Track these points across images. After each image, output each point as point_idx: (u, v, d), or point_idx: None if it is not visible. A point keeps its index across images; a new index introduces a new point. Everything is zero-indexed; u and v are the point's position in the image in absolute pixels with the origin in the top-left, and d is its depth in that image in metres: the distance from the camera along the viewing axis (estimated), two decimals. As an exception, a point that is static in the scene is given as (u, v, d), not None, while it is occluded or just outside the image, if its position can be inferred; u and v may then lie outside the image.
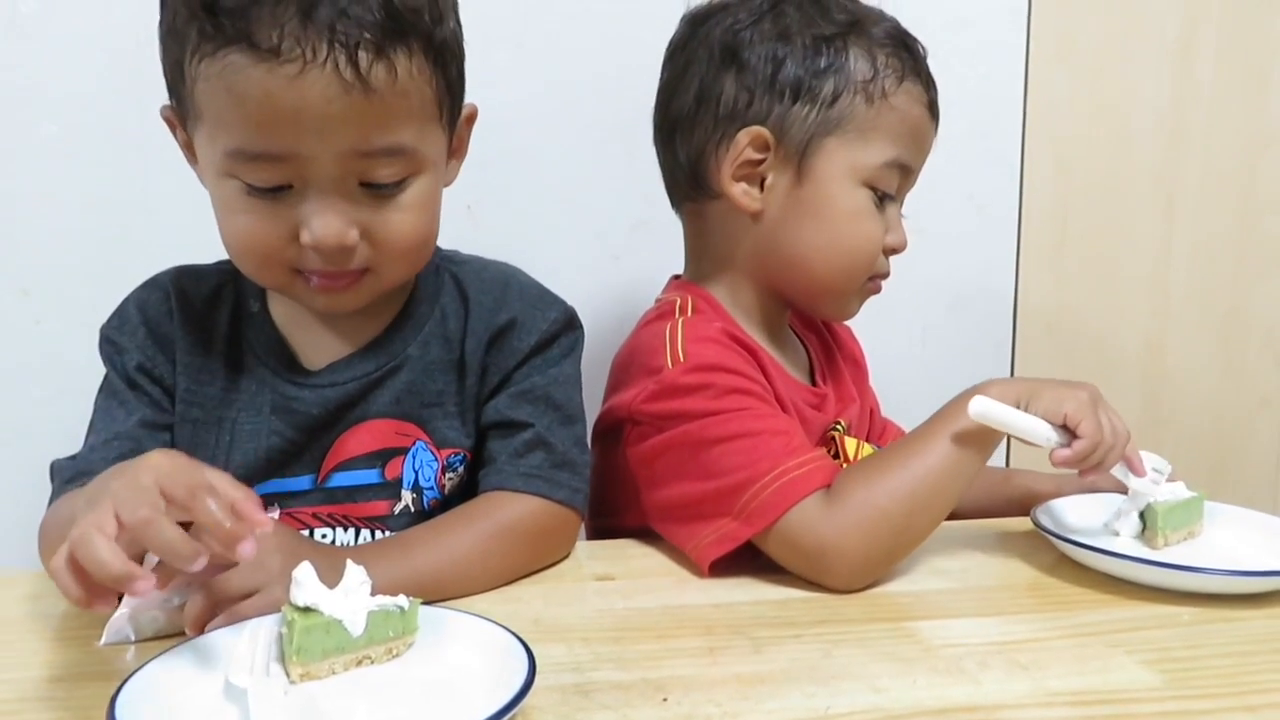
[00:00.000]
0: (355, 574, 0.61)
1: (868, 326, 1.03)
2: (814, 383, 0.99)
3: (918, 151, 0.91)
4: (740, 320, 0.92)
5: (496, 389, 0.85)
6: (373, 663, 0.59)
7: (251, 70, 0.67)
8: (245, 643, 0.59)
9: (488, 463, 0.83)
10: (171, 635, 0.65)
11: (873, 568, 0.76)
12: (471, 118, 0.83)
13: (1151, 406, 1.41)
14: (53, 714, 0.58)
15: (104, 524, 0.53)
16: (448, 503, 0.84)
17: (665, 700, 0.59)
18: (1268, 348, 1.43)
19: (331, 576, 0.60)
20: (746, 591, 0.76)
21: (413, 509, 0.83)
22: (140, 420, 0.80)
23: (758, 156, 0.88)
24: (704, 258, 0.96)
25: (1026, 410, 0.77)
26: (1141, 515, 0.82)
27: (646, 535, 0.86)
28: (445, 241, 0.84)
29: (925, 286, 1.28)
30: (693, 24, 0.93)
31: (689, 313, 0.89)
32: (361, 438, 0.82)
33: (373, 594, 0.60)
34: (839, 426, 0.95)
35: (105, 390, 0.82)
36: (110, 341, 0.82)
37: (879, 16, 0.90)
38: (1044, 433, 0.76)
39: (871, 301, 0.96)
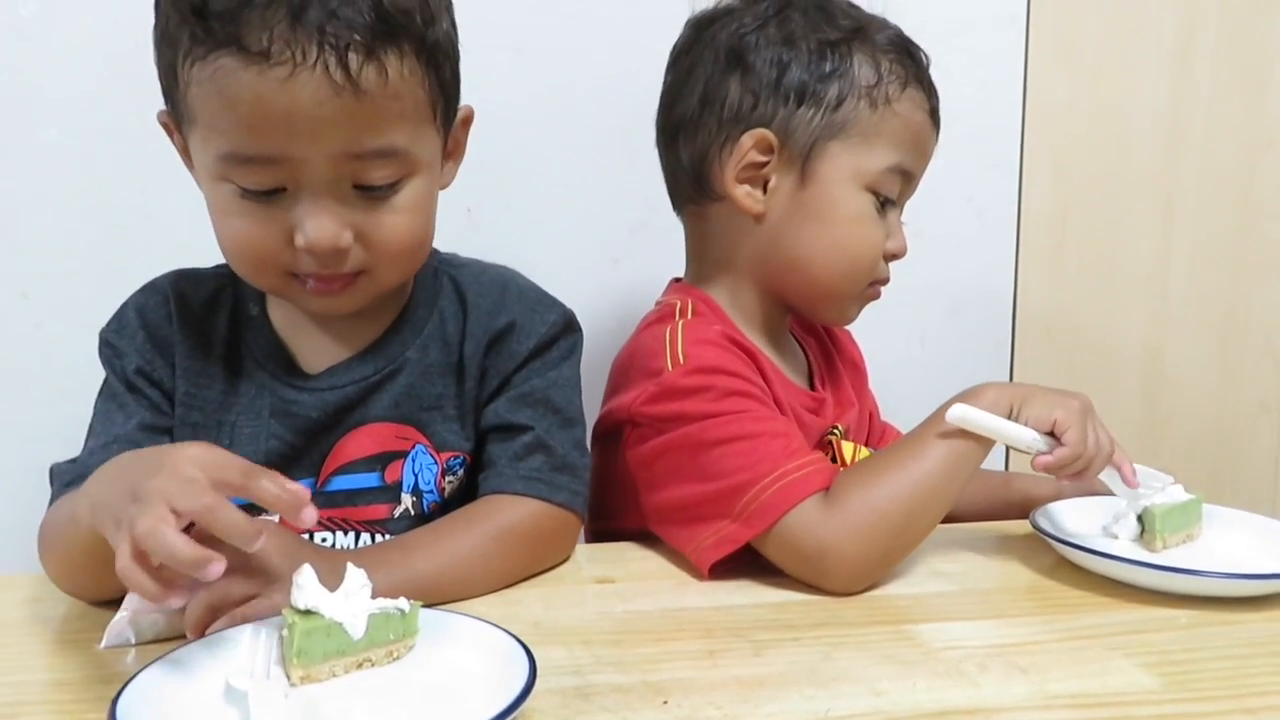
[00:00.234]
0: (356, 577, 0.61)
1: (867, 329, 1.03)
2: (812, 387, 0.99)
3: (919, 158, 0.91)
4: (740, 323, 0.92)
5: (496, 392, 0.85)
6: (373, 665, 0.59)
7: (242, 73, 0.67)
8: (246, 645, 0.59)
9: (487, 466, 0.83)
10: (172, 638, 0.65)
11: (871, 570, 0.76)
12: (468, 120, 0.83)
13: (1151, 409, 1.41)
14: (53, 717, 0.58)
15: (164, 516, 0.54)
16: (447, 506, 0.84)
17: (665, 703, 0.59)
18: (1267, 351, 1.43)
19: (332, 579, 0.60)
20: (746, 594, 0.76)
21: (412, 512, 0.83)
22: (140, 423, 0.80)
23: (762, 159, 0.88)
24: (705, 260, 0.96)
25: (1019, 414, 0.78)
26: (1140, 518, 0.82)
27: (646, 538, 0.86)
28: (444, 244, 0.85)
29: (925, 289, 1.28)
30: (698, 28, 0.93)
31: (689, 315, 0.89)
32: (361, 441, 0.82)
33: (373, 597, 0.60)
34: (836, 431, 0.95)
35: (104, 394, 0.82)
36: (109, 345, 0.82)
37: (882, 24, 0.91)
38: (1026, 439, 0.77)
39: (871, 304, 0.96)
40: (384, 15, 0.68)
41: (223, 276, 0.86)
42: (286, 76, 0.66)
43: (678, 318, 0.88)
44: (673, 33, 0.96)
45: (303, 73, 0.66)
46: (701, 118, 0.90)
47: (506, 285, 0.87)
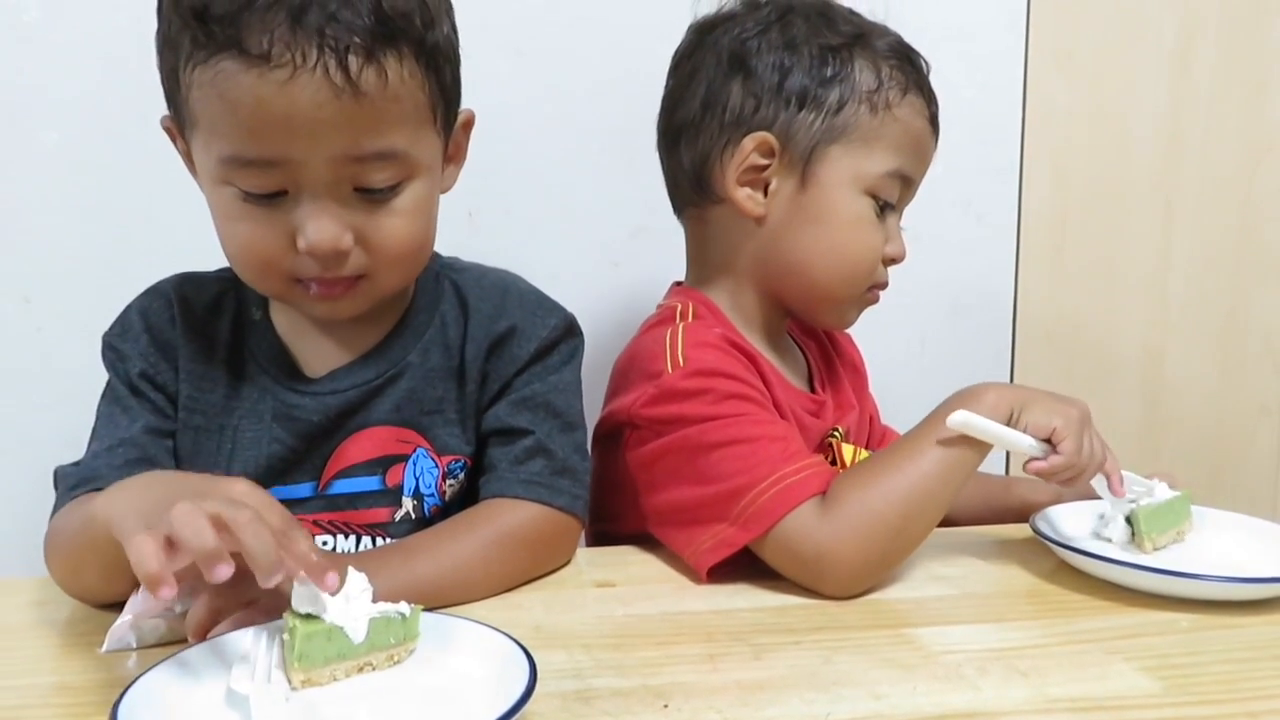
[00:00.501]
0: (357, 581, 0.61)
1: (867, 333, 1.03)
2: (813, 390, 0.99)
3: (919, 163, 0.92)
4: (740, 326, 0.92)
5: (496, 396, 0.85)
6: (374, 669, 0.59)
7: (243, 76, 0.67)
8: (247, 649, 0.59)
9: (488, 470, 0.83)
10: (173, 642, 0.65)
11: (868, 573, 0.76)
12: (469, 124, 0.83)
13: (1151, 412, 1.41)
14: (55, 720, 0.58)
15: (204, 511, 0.55)
16: (448, 509, 0.84)
17: (666, 707, 0.59)
18: (1267, 354, 1.43)
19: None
20: (746, 598, 0.76)
21: (413, 516, 0.83)
22: (144, 427, 0.80)
23: (763, 162, 0.88)
24: (705, 263, 0.96)
25: (1019, 419, 0.78)
26: (1128, 520, 0.82)
27: (646, 540, 0.86)
28: (445, 248, 0.85)
29: (925, 293, 1.28)
30: (700, 32, 0.94)
31: (689, 318, 0.89)
32: (362, 445, 0.83)
33: (374, 601, 0.60)
34: (836, 433, 0.95)
35: (108, 397, 0.82)
36: (113, 348, 0.82)
37: (883, 30, 0.91)
38: (1024, 445, 0.77)
39: (871, 308, 0.96)
40: (383, 18, 0.69)
41: (225, 280, 0.86)
42: (286, 79, 0.67)
43: (678, 320, 0.89)
44: (672, 36, 0.96)
45: (303, 75, 0.67)
46: (703, 121, 0.91)
47: (507, 289, 0.87)
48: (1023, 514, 0.88)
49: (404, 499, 0.83)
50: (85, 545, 0.67)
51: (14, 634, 0.70)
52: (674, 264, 1.00)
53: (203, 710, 0.55)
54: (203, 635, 0.62)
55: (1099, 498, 0.85)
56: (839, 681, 0.62)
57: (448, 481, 0.84)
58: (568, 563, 0.83)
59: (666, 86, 0.96)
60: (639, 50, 1.09)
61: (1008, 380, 1.37)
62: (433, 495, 0.84)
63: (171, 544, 0.55)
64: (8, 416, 1.11)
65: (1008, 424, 0.77)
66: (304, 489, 0.82)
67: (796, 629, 0.71)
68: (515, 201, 1.18)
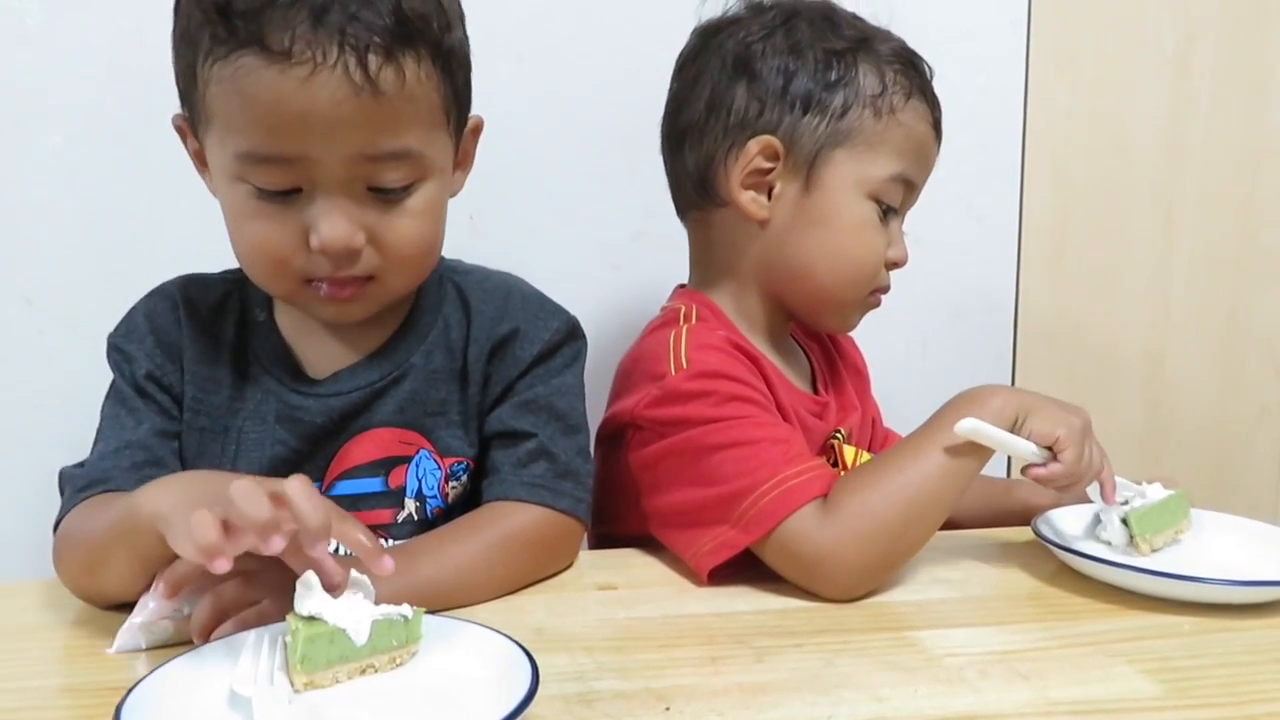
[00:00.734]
0: (359, 583, 0.61)
1: (869, 335, 1.03)
2: (816, 391, 0.99)
3: (921, 168, 0.92)
4: (743, 328, 0.92)
5: (499, 399, 0.85)
6: (376, 672, 0.60)
7: (263, 72, 0.68)
8: (249, 652, 0.59)
9: (491, 473, 0.83)
10: (179, 643, 0.66)
11: (869, 576, 0.77)
12: (477, 130, 0.84)
13: (1152, 415, 1.41)
14: (58, 722, 0.58)
15: (261, 486, 0.58)
16: (451, 511, 0.84)
17: (668, 709, 0.59)
18: (1268, 357, 1.43)
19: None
20: (748, 601, 0.76)
21: (416, 517, 0.83)
22: (151, 428, 0.80)
23: (767, 165, 0.89)
24: (708, 266, 0.96)
25: (1024, 425, 0.78)
26: (1125, 521, 0.83)
27: (649, 542, 0.86)
28: (448, 251, 0.85)
29: (926, 296, 1.28)
30: (705, 35, 0.94)
31: (693, 320, 0.90)
32: (365, 446, 0.83)
33: (376, 603, 0.60)
34: (839, 435, 0.95)
35: (113, 398, 0.82)
36: (119, 350, 0.82)
37: (886, 35, 0.92)
38: (1027, 452, 0.78)
39: (873, 310, 0.96)
40: (403, 19, 0.69)
41: (230, 282, 0.86)
42: (307, 76, 0.67)
43: (681, 323, 0.89)
44: (673, 40, 0.96)
45: (323, 72, 0.67)
46: (707, 124, 0.91)
47: (510, 292, 0.88)
48: (1024, 517, 0.88)
49: (406, 500, 0.83)
50: (116, 540, 0.67)
51: (18, 636, 0.71)
52: (675, 267, 1.00)
53: (206, 712, 0.55)
54: (207, 635, 0.63)
55: (1086, 501, 0.85)
56: (840, 684, 0.62)
57: (450, 483, 0.84)
58: (570, 565, 0.83)
59: (670, 89, 0.96)
60: (639, 54, 1.10)
61: (1008, 382, 1.37)
62: (435, 497, 0.84)
63: (227, 527, 0.57)
64: (10, 419, 1.11)
65: (1011, 429, 0.78)
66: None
67: (798, 632, 0.71)
68: (517, 205, 1.18)
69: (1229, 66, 1.35)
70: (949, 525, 0.80)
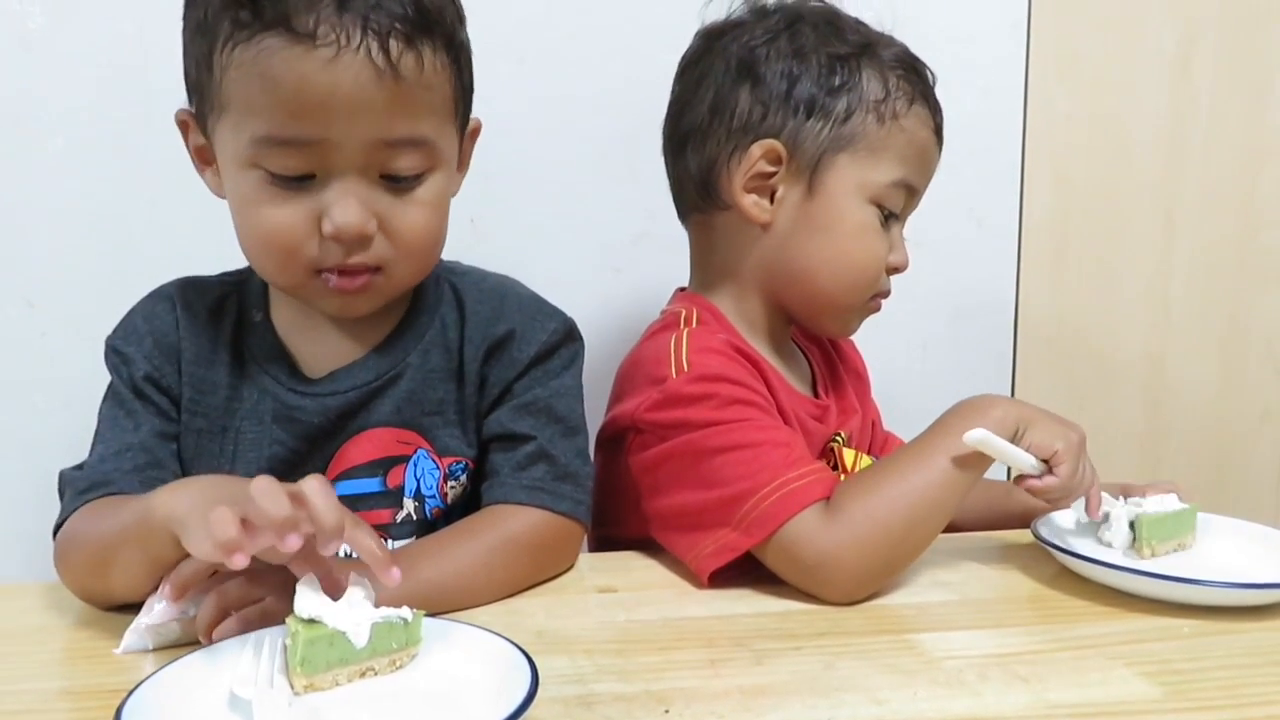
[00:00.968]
0: (359, 586, 0.61)
1: (869, 338, 1.03)
2: (816, 395, 1.00)
3: (923, 173, 0.92)
4: (744, 332, 0.92)
5: (497, 401, 0.85)
6: (376, 674, 0.60)
7: (287, 52, 0.69)
8: (249, 654, 0.59)
9: (490, 476, 0.83)
10: (186, 644, 0.66)
11: (870, 580, 0.77)
12: (475, 132, 0.84)
13: (1152, 418, 1.41)
14: (58, 725, 0.58)
15: (280, 485, 0.59)
16: (450, 511, 0.84)
17: (667, 712, 0.59)
18: (1268, 360, 1.43)
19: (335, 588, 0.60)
20: (748, 604, 0.76)
21: (415, 517, 0.83)
22: (150, 430, 0.80)
23: (770, 169, 0.89)
24: (709, 269, 0.96)
25: (1023, 436, 0.78)
26: (1131, 525, 0.83)
27: (649, 545, 0.86)
28: (448, 253, 0.85)
29: (926, 299, 1.28)
30: (708, 38, 0.94)
31: (693, 324, 0.90)
32: (363, 446, 0.83)
33: (376, 606, 0.60)
34: (839, 438, 0.95)
35: (111, 400, 0.82)
36: (117, 352, 0.82)
37: (889, 40, 0.92)
38: (1026, 464, 0.78)
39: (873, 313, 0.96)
40: (422, 9, 0.72)
41: (227, 284, 0.86)
42: (331, 58, 0.69)
43: (682, 326, 0.89)
44: (674, 42, 0.96)
45: (346, 55, 0.69)
46: (711, 127, 0.91)
47: (506, 294, 0.88)
48: (1025, 518, 0.88)
49: (405, 500, 0.83)
50: (127, 542, 0.68)
51: (18, 639, 0.71)
52: (676, 270, 1.00)
53: (206, 715, 0.55)
54: (210, 631, 0.63)
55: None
56: (840, 687, 0.62)
57: (449, 483, 0.84)
58: (570, 568, 0.83)
59: (673, 92, 0.96)
60: (640, 56, 1.10)
61: (1009, 385, 1.37)
62: (434, 497, 0.84)
63: (247, 525, 0.58)
64: (11, 422, 1.11)
65: (1011, 439, 0.78)
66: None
67: (798, 634, 0.71)
68: (517, 207, 1.18)
69: (1228, 68, 1.36)
70: (949, 528, 0.81)
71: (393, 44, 0.70)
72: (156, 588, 0.67)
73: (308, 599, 0.59)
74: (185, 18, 0.75)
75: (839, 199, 0.89)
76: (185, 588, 0.66)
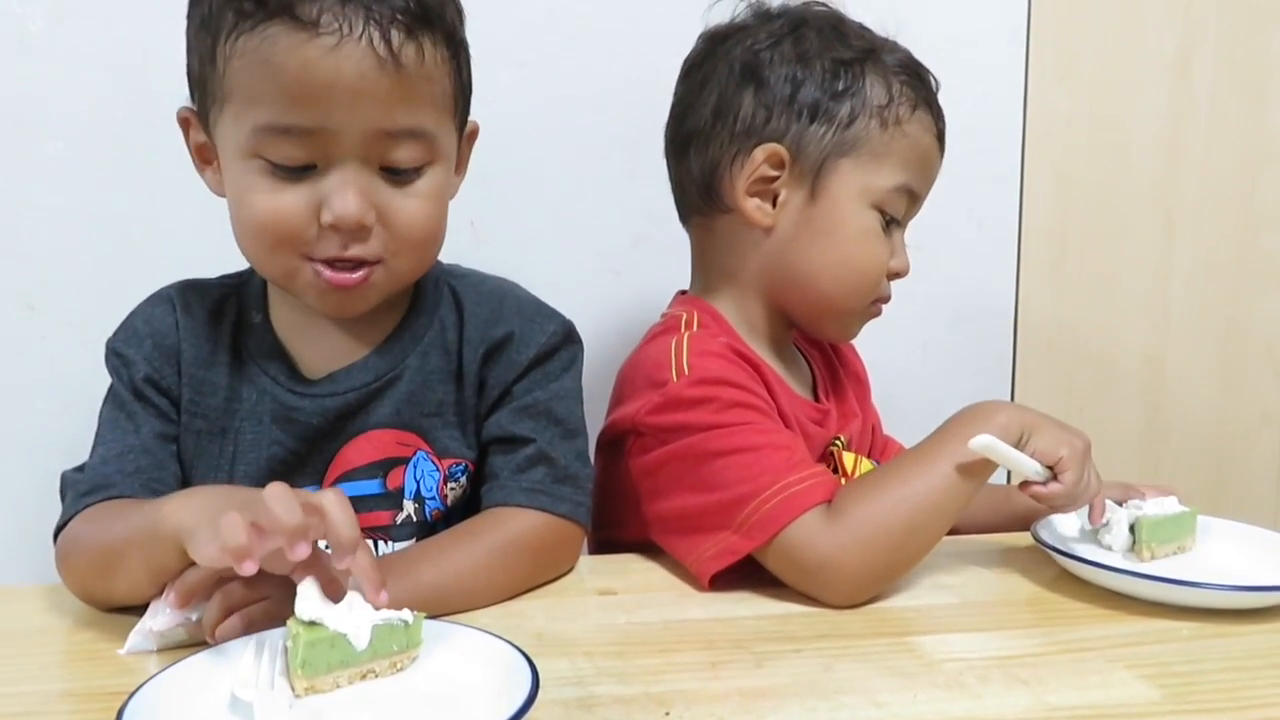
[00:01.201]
0: (360, 589, 0.61)
1: (869, 340, 1.03)
2: (817, 398, 1.00)
3: (925, 179, 0.92)
4: (745, 335, 0.92)
5: (497, 403, 0.85)
6: (377, 676, 0.60)
7: (289, 40, 0.69)
8: (250, 656, 0.59)
9: (490, 478, 0.84)
10: (191, 645, 0.66)
11: (871, 583, 0.77)
12: (473, 135, 0.84)
13: (1152, 421, 1.41)
14: (58, 727, 0.58)
15: (294, 492, 0.60)
16: (450, 513, 0.84)
17: (667, 714, 0.59)
18: (1268, 362, 1.43)
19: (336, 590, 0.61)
20: (748, 606, 0.76)
21: (415, 519, 0.84)
22: (151, 432, 0.80)
23: (773, 173, 0.89)
24: (711, 272, 0.96)
25: (1028, 443, 0.78)
26: (1131, 527, 0.83)
27: (649, 548, 0.86)
28: (448, 256, 0.85)
29: (926, 302, 1.28)
30: (712, 41, 0.94)
31: (694, 327, 0.90)
32: (363, 448, 0.83)
33: (377, 608, 0.60)
34: (838, 441, 0.95)
35: (112, 402, 0.82)
36: (117, 354, 0.83)
37: (893, 46, 0.92)
38: (1030, 470, 0.78)
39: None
40: (423, 3, 0.73)
41: (227, 286, 0.86)
42: (334, 45, 0.69)
43: (683, 329, 0.89)
44: (674, 46, 0.97)
45: (349, 43, 0.70)
46: (713, 130, 0.91)
47: (504, 296, 0.88)
48: (1025, 521, 0.88)
49: (405, 502, 0.83)
50: (134, 549, 0.68)
51: (19, 640, 0.71)
52: (675, 273, 1.00)
53: (207, 717, 0.55)
54: (214, 629, 0.64)
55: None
56: (840, 689, 0.62)
57: (449, 485, 0.84)
58: (570, 570, 0.83)
59: (676, 94, 0.96)
60: (639, 60, 1.10)
61: (1008, 387, 1.37)
62: (434, 499, 0.84)
63: (256, 529, 0.58)
64: (12, 424, 1.11)
65: (1016, 445, 0.78)
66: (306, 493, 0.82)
67: (798, 637, 0.71)
68: (517, 210, 1.18)
69: (1228, 71, 1.36)
70: (950, 530, 0.80)
71: (394, 34, 0.71)
72: (161, 591, 0.67)
73: (309, 601, 0.59)
74: (189, 15, 0.75)
75: (841, 204, 0.89)
76: (190, 596, 0.66)
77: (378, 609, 0.60)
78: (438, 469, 0.84)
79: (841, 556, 0.75)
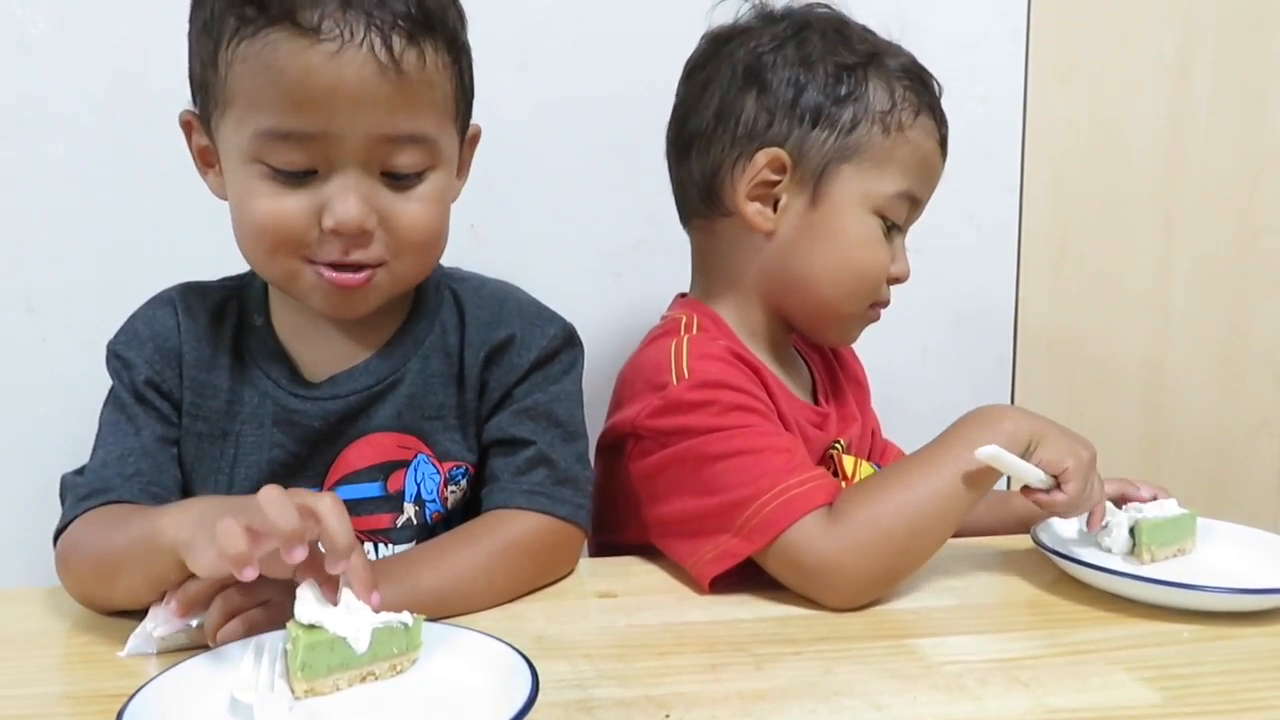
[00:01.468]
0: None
1: (869, 344, 1.03)
2: (817, 402, 1.00)
3: (926, 185, 0.92)
4: (745, 339, 0.92)
5: (497, 406, 0.85)
6: (377, 679, 0.60)
7: (291, 46, 0.70)
8: (250, 659, 0.59)
9: (490, 480, 0.84)
10: (191, 648, 0.66)
11: (872, 587, 0.76)
12: (475, 139, 0.84)
13: (1152, 424, 1.41)
14: (58, 729, 0.58)
15: (289, 496, 0.60)
16: (451, 516, 0.84)
17: (667, 717, 0.59)
18: (1268, 365, 1.43)
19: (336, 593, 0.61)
20: (748, 609, 0.76)
21: (415, 522, 0.84)
22: (151, 435, 0.81)
23: (774, 177, 0.89)
24: (711, 276, 0.96)
25: (1034, 452, 0.78)
26: (1130, 530, 0.83)
27: (649, 551, 0.86)
28: (448, 259, 0.85)
29: (926, 305, 1.28)
30: (714, 43, 0.94)
31: (694, 330, 0.89)
32: (363, 451, 0.83)
33: (377, 611, 0.60)
34: (838, 445, 0.95)
35: (112, 405, 0.82)
36: (118, 357, 0.83)
37: (897, 50, 0.92)
38: (1035, 479, 0.78)
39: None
40: (424, 8, 0.73)
41: (229, 289, 0.86)
42: (335, 51, 0.69)
43: (683, 332, 0.89)
44: (675, 48, 0.97)
45: (350, 49, 0.70)
46: (715, 133, 0.91)
47: (505, 299, 0.88)
48: (1025, 523, 0.88)
49: (405, 505, 0.83)
50: (133, 558, 0.68)
51: (18, 643, 0.71)
52: (676, 276, 1.00)
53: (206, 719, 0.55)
54: (215, 632, 0.64)
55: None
56: (840, 692, 0.62)
57: (449, 488, 0.84)
58: (570, 573, 0.83)
59: (678, 95, 0.96)
60: (640, 63, 1.10)
61: (1008, 390, 1.37)
62: (434, 501, 0.84)
63: (253, 534, 0.58)
64: (13, 427, 1.11)
65: (1022, 454, 0.77)
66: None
67: (798, 639, 0.71)
68: (518, 213, 1.18)
69: (1228, 73, 1.36)
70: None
71: (395, 40, 0.71)
72: (162, 596, 0.67)
73: (308, 604, 0.59)
74: (191, 19, 0.75)
75: (842, 209, 0.89)
76: (190, 606, 0.66)
77: (376, 610, 0.60)
78: (438, 472, 0.84)
79: (842, 559, 0.75)
